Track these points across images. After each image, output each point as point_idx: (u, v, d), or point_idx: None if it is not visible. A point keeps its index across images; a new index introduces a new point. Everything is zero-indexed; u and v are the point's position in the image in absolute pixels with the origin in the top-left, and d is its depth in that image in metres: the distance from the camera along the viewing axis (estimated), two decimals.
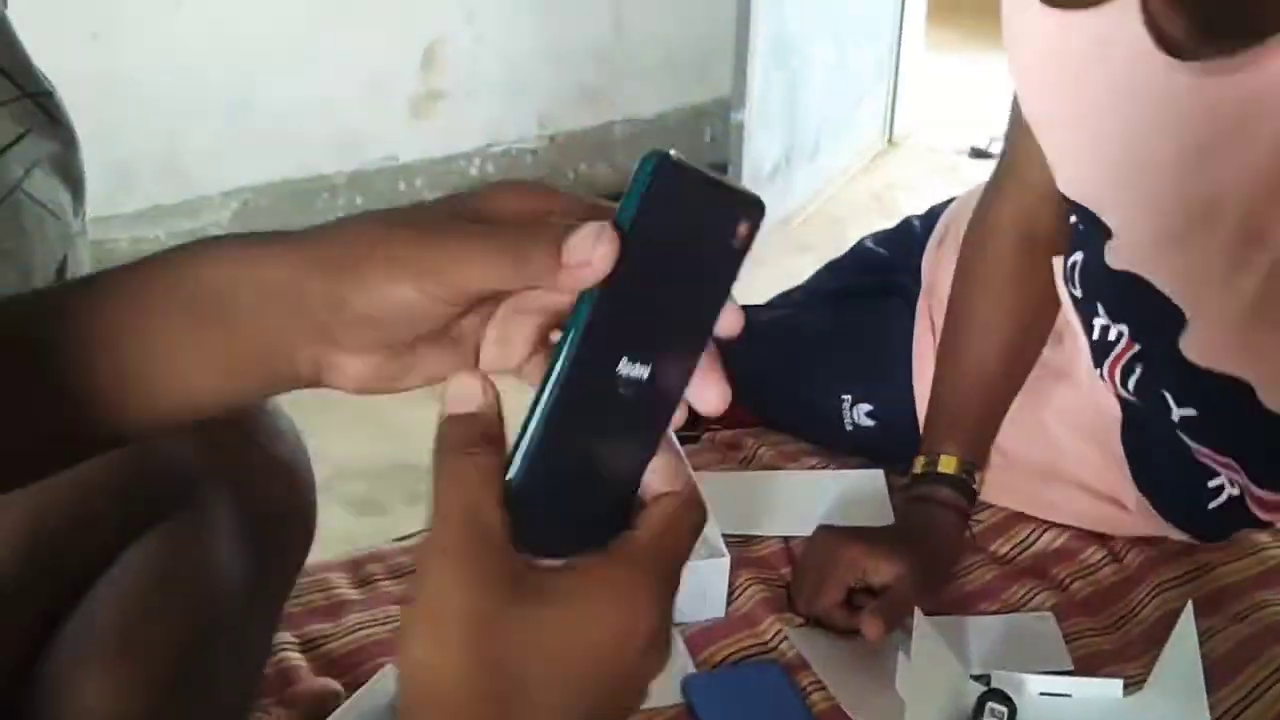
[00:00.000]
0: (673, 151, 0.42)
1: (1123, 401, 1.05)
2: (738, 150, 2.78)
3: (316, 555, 0.87)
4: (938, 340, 1.10)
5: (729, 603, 0.99)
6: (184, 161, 2.64)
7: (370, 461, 2.17)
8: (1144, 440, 1.06)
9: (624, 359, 0.42)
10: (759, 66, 2.73)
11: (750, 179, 2.83)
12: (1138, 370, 1.00)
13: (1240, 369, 0.91)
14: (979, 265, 1.08)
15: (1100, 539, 1.08)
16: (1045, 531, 1.09)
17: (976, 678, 0.90)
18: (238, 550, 0.79)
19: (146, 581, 0.77)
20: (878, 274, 1.27)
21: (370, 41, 2.77)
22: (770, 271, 2.96)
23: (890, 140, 3.76)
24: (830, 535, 1.00)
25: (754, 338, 1.28)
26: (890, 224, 1.35)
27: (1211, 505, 1.04)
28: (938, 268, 1.17)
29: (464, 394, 0.42)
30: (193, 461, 0.80)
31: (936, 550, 1.01)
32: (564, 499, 0.42)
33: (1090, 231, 0.98)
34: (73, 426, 0.48)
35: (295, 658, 0.93)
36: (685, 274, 0.43)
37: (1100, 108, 0.91)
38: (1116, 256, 0.95)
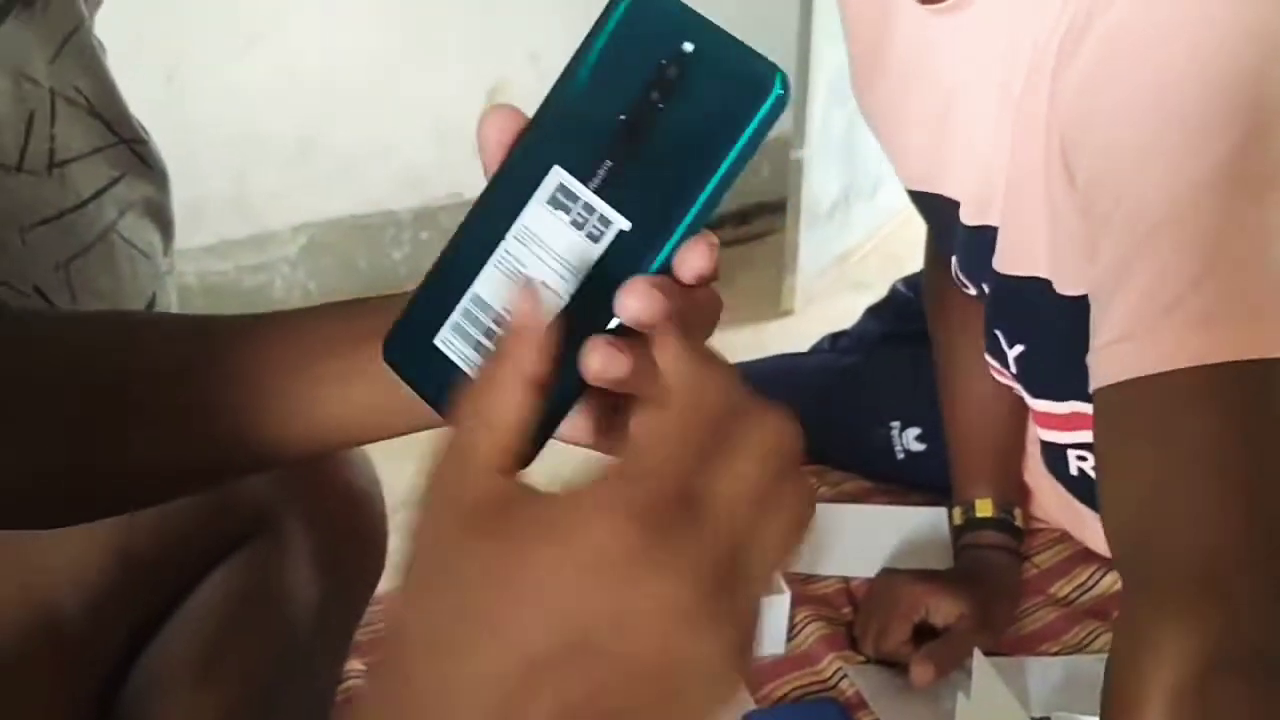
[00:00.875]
0: None
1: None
2: (796, 187, 2.80)
3: (388, 584, 0.89)
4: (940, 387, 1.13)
5: (788, 639, 1.00)
6: (253, 198, 2.71)
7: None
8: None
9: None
10: (819, 104, 2.75)
11: (809, 216, 2.84)
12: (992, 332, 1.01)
13: (1036, 266, 0.90)
14: (947, 308, 1.11)
15: None
16: (1106, 574, 1.08)
17: None
18: (312, 578, 0.81)
19: (224, 611, 0.79)
20: (914, 318, 1.29)
21: (436, 82, 2.83)
22: (828, 309, 2.97)
23: None
24: (892, 578, 1.02)
25: (802, 383, 1.30)
26: None
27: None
28: None
29: (521, 304, 0.39)
30: (270, 489, 0.83)
31: (997, 591, 1.02)
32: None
33: (941, 220, 0.99)
34: (224, 452, 0.51)
35: (363, 686, 0.95)
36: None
37: (894, 76, 0.94)
38: (966, 215, 0.95)
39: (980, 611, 0.97)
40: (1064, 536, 1.12)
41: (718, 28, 0.40)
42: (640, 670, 0.31)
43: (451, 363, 0.40)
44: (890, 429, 1.20)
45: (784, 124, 3.02)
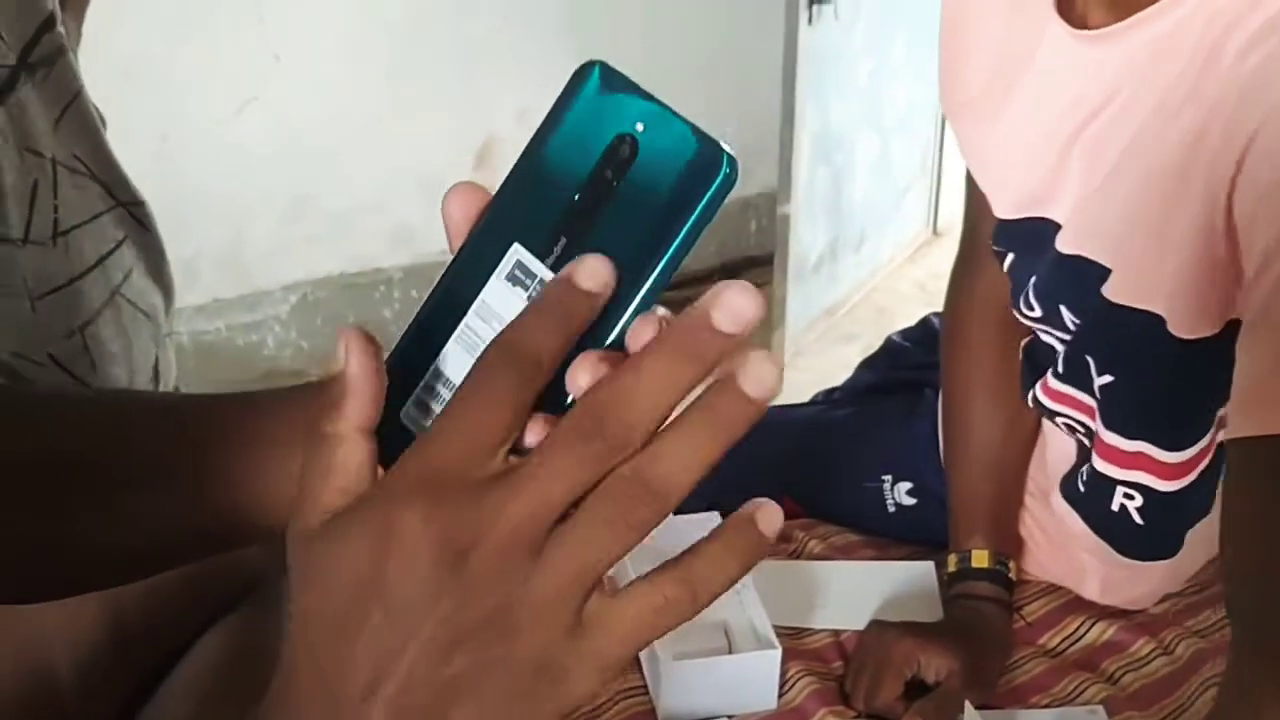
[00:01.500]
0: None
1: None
2: (784, 242, 2.83)
3: None
4: (941, 435, 1.14)
5: (780, 694, 1.00)
6: (245, 257, 2.73)
7: None
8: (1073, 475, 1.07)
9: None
10: (804, 160, 2.79)
11: (796, 270, 2.87)
12: (1062, 352, 1.00)
13: (1153, 301, 0.90)
14: (963, 355, 1.12)
15: (1150, 630, 1.08)
16: (1095, 624, 1.09)
17: None
18: None
19: (213, 677, 0.80)
20: (908, 369, 1.30)
21: (425, 141, 2.86)
22: (816, 361, 2.99)
23: (935, 230, 3.80)
24: (883, 631, 1.02)
25: (795, 434, 1.31)
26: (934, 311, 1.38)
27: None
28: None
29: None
30: (260, 551, 0.83)
31: (987, 644, 1.02)
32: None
33: (1029, 246, 1.00)
34: (214, 526, 0.52)
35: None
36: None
37: (1024, 101, 0.96)
38: (1063, 243, 0.96)
39: (971, 666, 0.97)
40: (1051, 588, 1.12)
41: (669, 109, 0.41)
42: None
43: (413, 437, 0.41)
44: (882, 483, 1.21)
45: (769, 180, 3.06)
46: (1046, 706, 1.01)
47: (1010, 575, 1.07)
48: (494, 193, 0.43)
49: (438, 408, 0.41)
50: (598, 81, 0.41)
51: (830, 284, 3.13)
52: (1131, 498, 1.00)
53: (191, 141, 2.55)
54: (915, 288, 3.41)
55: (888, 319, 3.16)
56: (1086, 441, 1.03)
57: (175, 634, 0.81)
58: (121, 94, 2.29)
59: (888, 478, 1.21)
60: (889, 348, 1.40)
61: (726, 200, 0.43)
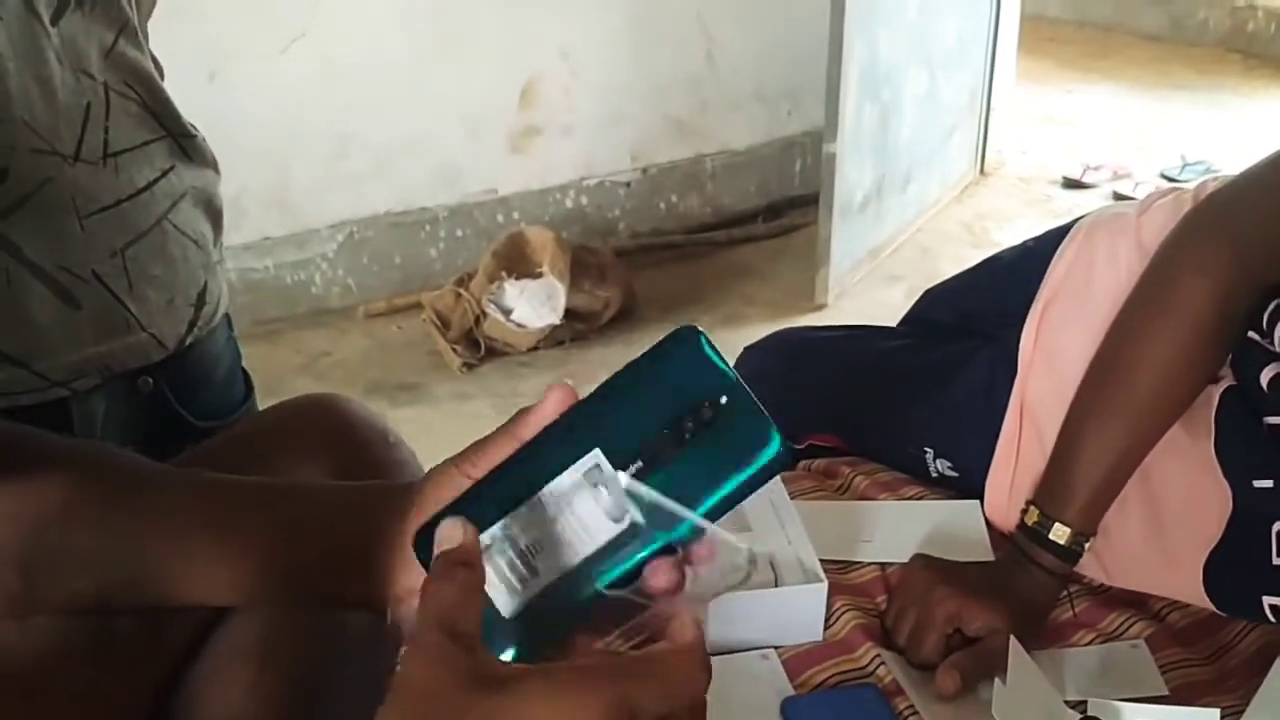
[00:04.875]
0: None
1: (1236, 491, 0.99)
2: (829, 181, 2.81)
3: None
4: (1071, 404, 1.03)
5: (825, 627, 1.01)
6: (292, 196, 2.75)
7: None
8: (1238, 541, 1.00)
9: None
10: (851, 98, 2.76)
11: (841, 209, 2.85)
12: None
13: None
14: (1161, 333, 0.99)
15: None
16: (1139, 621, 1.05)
17: (1072, 705, 0.91)
18: None
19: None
20: (965, 315, 1.26)
21: (470, 80, 2.86)
22: (859, 302, 2.98)
23: (982, 170, 3.76)
24: (928, 572, 1.01)
25: (848, 369, 1.29)
26: (980, 254, 1.31)
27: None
28: (1038, 344, 1.13)
29: (451, 533, 0.50)
30: (324, 477, 0.86)
31: (1033, 608, 1.00)
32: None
33: None
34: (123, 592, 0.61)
35: None
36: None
37: None
38: None
39: (1013, 628, 0.95)
40: (1103, 587, 1.09)
41: (747, 390, 0.51)
42: None
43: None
44: (924, 454, 1.19)
45: (815, 118, 3.03)
46: (1090, 643, 1.02)
47: (1081, 555, 1.01)
48: (583, 399, 0.52)
49: (501, 560, 0.51)
50: (701, 347, 0.51)
51: (875, 224, 3.10)
52: None
53: (238, 80, 2.57)
54: (961, 228, 3.38)
55: (933, 260, 3.14)
56: None
57: None
58: (169, 32, 2.30)
59: (929, 451, 1.19)
60: (950, 288, 1.35)
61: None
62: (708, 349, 0.51)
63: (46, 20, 0.87)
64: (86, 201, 0.91)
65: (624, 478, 0.50)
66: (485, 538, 0.51)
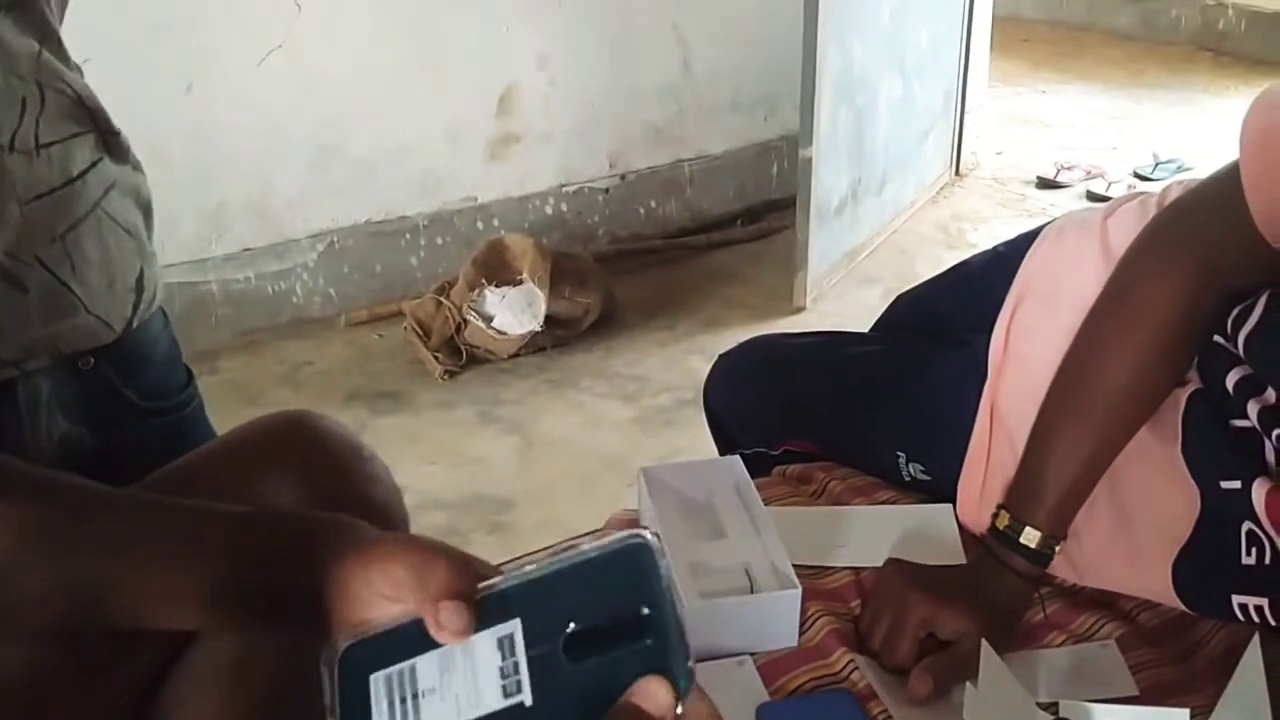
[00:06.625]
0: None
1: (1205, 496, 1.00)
2: (806, 185, 2.83)
3: None
4: (1040, 408, 1.04)
5: (800, 633, 1.02)
6: (272, 206, 2.75)
7: (450, 492, 2.24)
8: (1207, 542, 1.01)
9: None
10: (826, 103, 2.78)
11: (818, 213, 2.87)
12: None
13: None
14: (1128, 338, 1.00)
15: None
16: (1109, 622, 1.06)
17: (1044, 707, 0.92)
18: None
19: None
20: (935, 317, 1.28)
21: (448, 89, 2.86)
22: (837, 304, 3.00)
23: (957, 172, 3.78)
24: (900, 577, 1.02)
25: (820, 375, 1.31)
26: (955, 254, 1.32)
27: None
28: (1008, 348, 1.14)
29: None
30: (298, 499, 0.87)
31: (1005, 611, 1.01)
32: None
33: None
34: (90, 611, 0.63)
35: None
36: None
37: None
38: None
39: (986, 631, 0.96)
40: (1074, 588, 1.10)
41: (676, 614, 0.52)
42: None
43: (368, 698, 0.53)
44: (897, 458, 1.21)
45: (791, 123, 3.05)
46: (1062, 644, 1.03)
47: (1053, 557, 1.02)
48: (516, 566, 0.54)
49: (395, 691, 0.53)
50: (644, 563, 0.52)
51: (852, 227, 3.13)
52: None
53: (216, 91, 2.57)
54: (937, 230, 3.40)
55: (909, 261, 3.17)
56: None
57: None
58: (147, 45, 2.31)
59: (901, 455, 1.20)
60: (921, 294, 1.36)
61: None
62: (651, 566, 0.52)
63: None
64: (25, 189, 0.94)
65: (523, 651, 0.52)
66: (389, 672, 0.53)
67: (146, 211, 1.08)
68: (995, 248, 1.28)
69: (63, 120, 0.97)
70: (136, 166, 1.07)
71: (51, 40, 0.97)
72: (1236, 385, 0.97)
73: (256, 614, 0.62)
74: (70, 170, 0.97)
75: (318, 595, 0.59)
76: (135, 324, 1.05)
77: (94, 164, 1.00)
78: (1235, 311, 0.99)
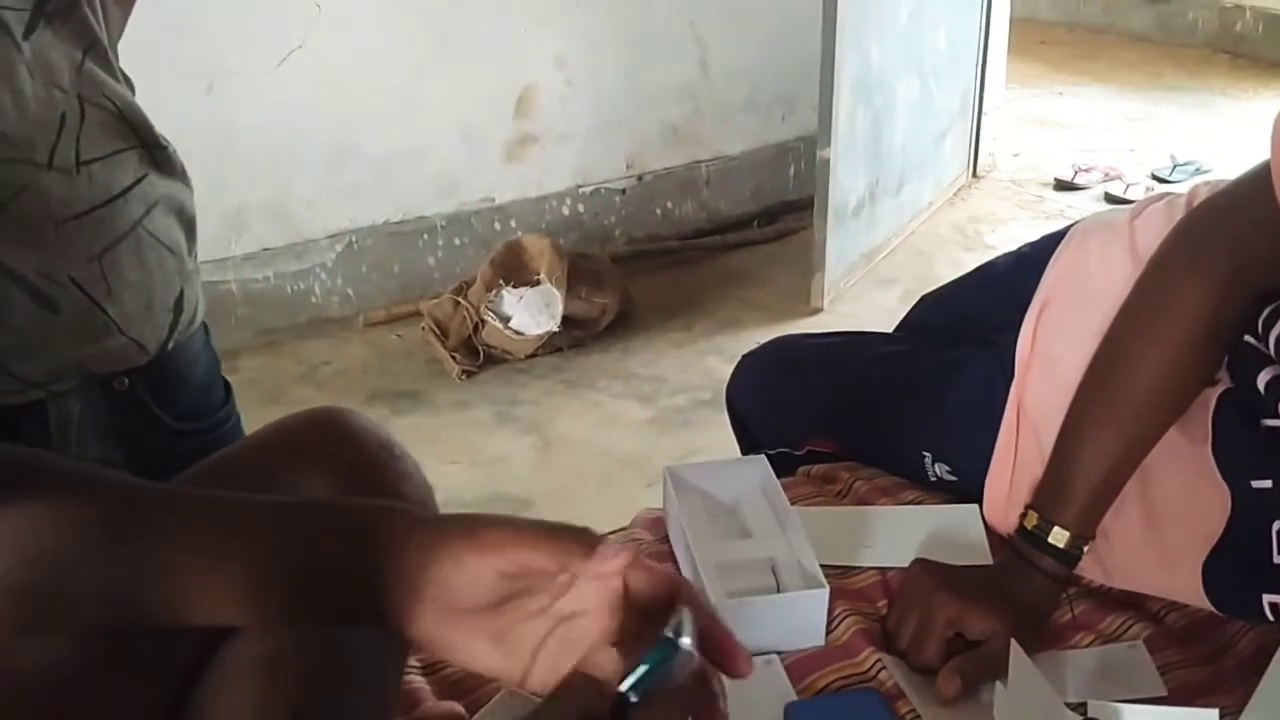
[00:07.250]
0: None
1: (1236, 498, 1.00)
2: (823, 186, 2.82)
3: None
4: (1069, 408, 1.04)
5: (827, 632, 1.02)
6: (291, 206, 2.76)
7: (470, 491, 2.25)
8: (1237, 541, 1.00)
9: None
10: (844, 104, 2.77)
11: (835, 214, 2.87)
12: None
13: None
14: (1157, 337, 1.00)
15: None
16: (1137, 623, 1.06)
17: (1073, 707, 0.92)
18: None
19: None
20: (960, 319, 1.28)
21: (466, 90, 2.87)
22: (855, 305, 2.99)
23: (974, 173, 3.77)
24: (927, 577, 1.01)
25: (846, 377, 1.31)
26: (973, 256, 1.32)
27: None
28: (1035, 349, 1.14)
29: None
30: (333, 492, 0.86)
31: (1032, 612, 1.01)
32: None
33: None
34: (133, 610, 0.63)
35: (418, 680, 0.99)
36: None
37: None
38: None
39: (1014, 631, 0.96)
40: (1102, 589, 1.10)
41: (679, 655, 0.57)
42: None
43: None
44: (923, 458, 1.21)
45: (809, 124, 3.05)
46: (1090, 645, 1.03)
47: (1081, 557, 1.02)
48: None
49: None
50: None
51: (869, 228, 3.12)
52: None
53: (236, 92, 2.58)
54: (954, 231, 3.39)
55: (926, 263, 3.16)
56: None
57: None
58: (167, 46, 2.32)
59: (928, 455, 1.20)
60: (946, 294, 1.36)
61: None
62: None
63: (18, 36, 0.90)
64: (62, 208, 0.92)
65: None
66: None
67: (190, 228, 1.05)
68: (1020, 248, 1.28)
69: (105, 136, 0.95)
70: (185, 180, 1.05)
71: (97, 49, 0.95)
72: (1268, 385, 0.97)
73: (308, 603, 0.62)
74: (112, 188, 0.95)
75: (376, 580, 0.58)
76: (171, 345, 1.03)
77: (137, 181, 0.98)
78: (1266, 311, 0.98)
